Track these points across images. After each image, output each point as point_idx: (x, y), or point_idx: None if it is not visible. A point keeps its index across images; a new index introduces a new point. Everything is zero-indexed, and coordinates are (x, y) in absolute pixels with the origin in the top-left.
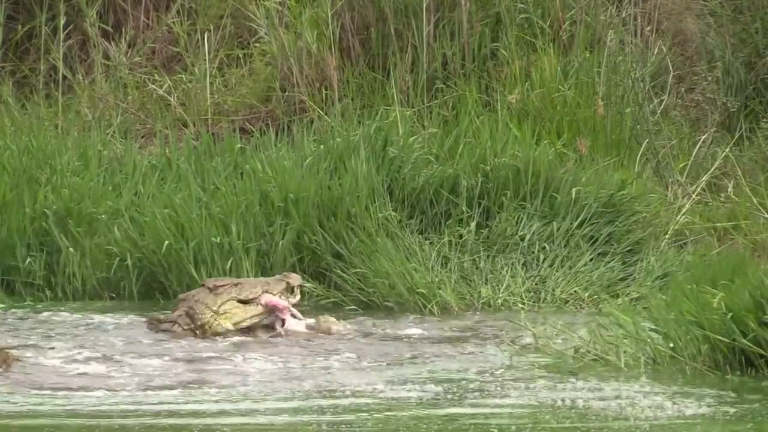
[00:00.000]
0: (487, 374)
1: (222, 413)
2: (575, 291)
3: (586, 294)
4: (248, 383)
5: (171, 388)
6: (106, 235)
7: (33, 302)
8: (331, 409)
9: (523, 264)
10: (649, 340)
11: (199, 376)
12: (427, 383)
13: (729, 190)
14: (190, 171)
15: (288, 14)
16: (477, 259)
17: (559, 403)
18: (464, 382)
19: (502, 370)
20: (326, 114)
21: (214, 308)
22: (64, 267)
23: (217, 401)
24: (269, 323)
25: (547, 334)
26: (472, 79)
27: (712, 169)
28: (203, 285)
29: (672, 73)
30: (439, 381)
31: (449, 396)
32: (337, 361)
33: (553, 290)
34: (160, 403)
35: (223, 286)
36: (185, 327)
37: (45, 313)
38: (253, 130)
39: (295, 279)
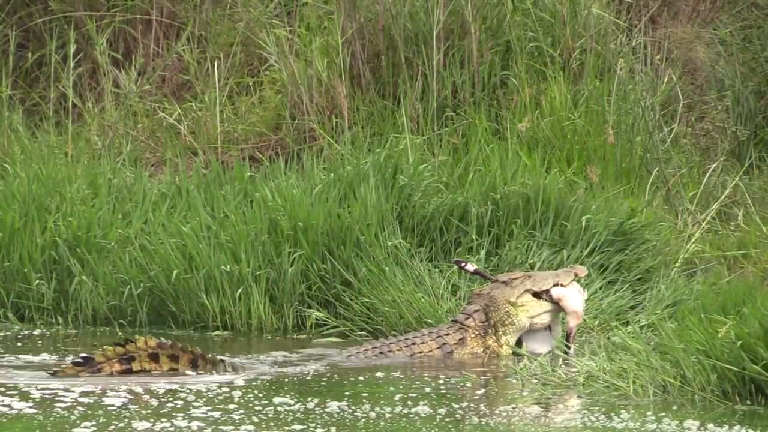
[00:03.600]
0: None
1: None
2: (585, 319)
3: (596, 322)
4: None
5: None
6: (116, 263)
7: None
8: None
9: None
10: (659, 368)
11: None
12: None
13: (739, 218)
14: (199, 199)
15: (298, 42)
16: None
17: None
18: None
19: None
20: (336, 142)
21: (512, 299)
22: (75, 294)
23: None
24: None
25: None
26: (482, 107)
27: (722, 197)
28: (496, 281)
29: (682, 101)
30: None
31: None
32: None
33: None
34: None
35: (518, 278)
36: (479, 322)
37: None
38: (263, 158)
39: (582, 271)
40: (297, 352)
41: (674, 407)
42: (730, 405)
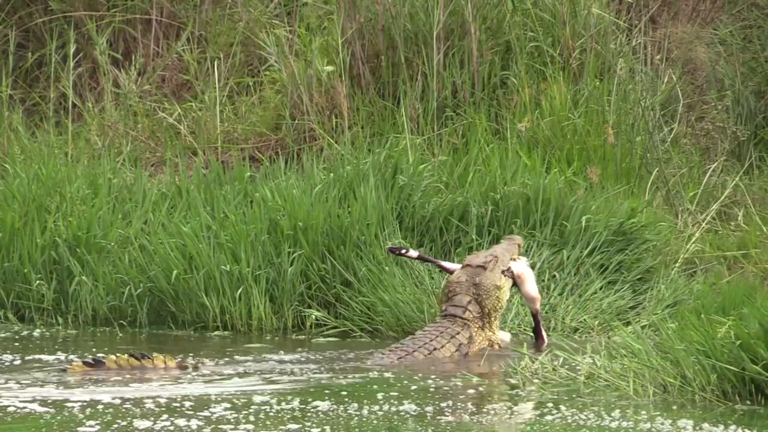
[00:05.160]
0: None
1: None
2: (585, 319)
3: (596, 322)
4: None
5: None
6: (115, 264)
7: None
8: None
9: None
10: (659, 368)
11: None
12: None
13: (739, 218)
14: (199, 199)
15: (298, 42)
16: None
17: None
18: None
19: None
20: (336, 142)
21: (498, 283)
22: (75, 294)
23: None
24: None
25: (553, 362)
26: (482, 107)
27: (722, 197)
28: (467, 266)
29: (682, 101)
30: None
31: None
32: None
33: (563, 318)
34: None
35: (490, 260)
36: (476, 314)
37: None
38: (263, 158)
39: (520, 239)
40: (321, 359)
41: (674, 407)
42: (729, 405)
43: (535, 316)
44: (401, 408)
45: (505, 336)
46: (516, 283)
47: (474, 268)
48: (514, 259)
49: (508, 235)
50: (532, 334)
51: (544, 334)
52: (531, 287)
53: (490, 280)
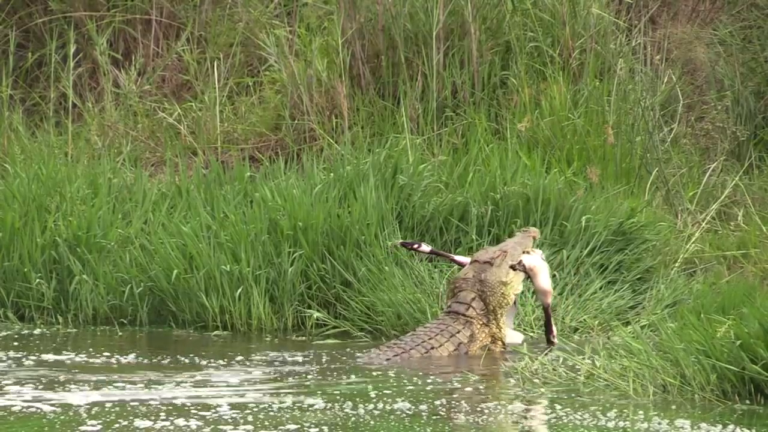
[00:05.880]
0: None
1: None
2: (585, 319)
3: (596, 322)
4: None
5: None
6: (116, 263)
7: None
8: None
9: (532, 292)
10: (659, 368)
11: None
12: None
13: (739, 218)
14: (199, 199)
15: (298, 42)
16: None
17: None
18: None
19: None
20: (336, 142)
21: (504, 279)
22: (76, 293)
23: None
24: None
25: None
26: (481, 107)
27: (722, 197)
28: (475, 261)
29: (682, 101)
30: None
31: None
32: None
33: (563, 318)
34: None
35: (498, 256)
36: (480, 311)
37: None
38: (263, 158)
39: (536, 232)
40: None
41: (673, 407)
42: (729, 405)
43: (546, 310)
44: (396, 407)
45: (517, 336)
46: (529, 276)
47: (481, 264)
48: (528, 252)
49: (523, 227)
50: (535, 333)
51: (554, 329)
52: (544, 280)
53: (495, 277)
